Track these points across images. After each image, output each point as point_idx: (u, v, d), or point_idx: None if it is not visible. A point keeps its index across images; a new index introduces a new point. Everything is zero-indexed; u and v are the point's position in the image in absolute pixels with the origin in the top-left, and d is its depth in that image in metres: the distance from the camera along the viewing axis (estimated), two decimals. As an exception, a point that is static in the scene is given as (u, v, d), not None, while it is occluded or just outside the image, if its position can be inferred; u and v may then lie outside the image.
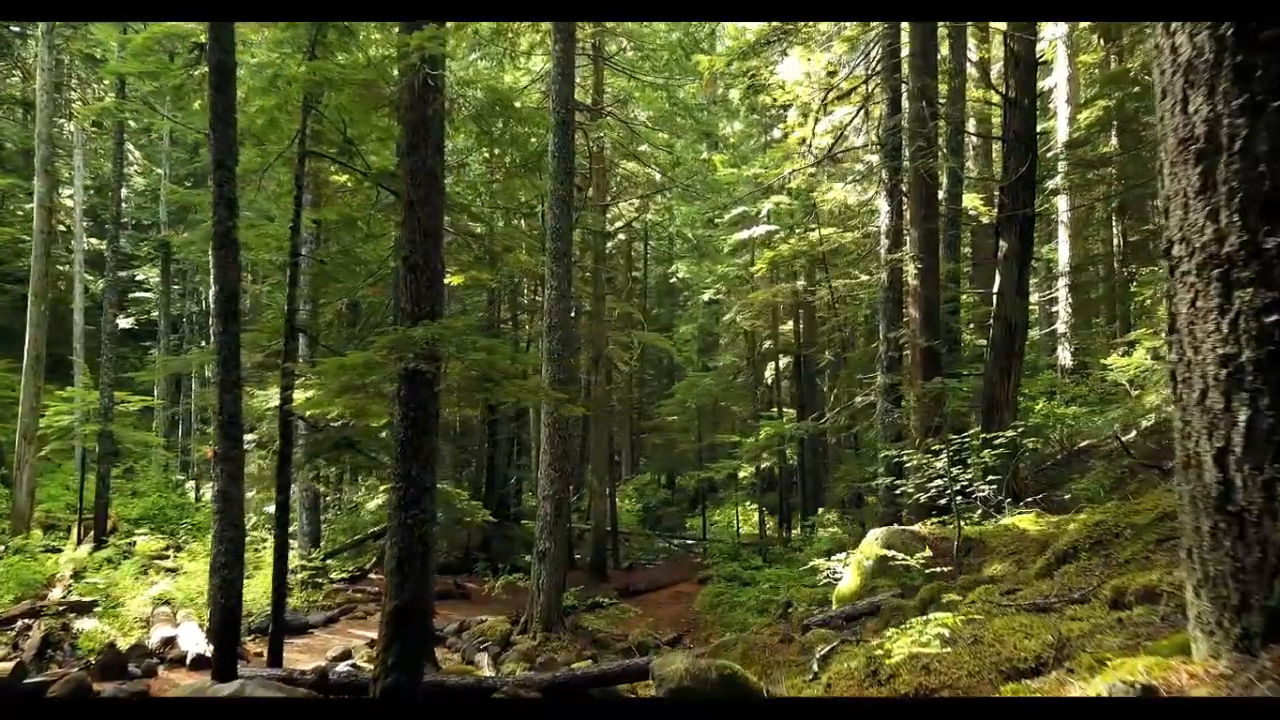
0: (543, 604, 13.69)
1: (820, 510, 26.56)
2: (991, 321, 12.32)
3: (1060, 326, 22.48)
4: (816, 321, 25.60)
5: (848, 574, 8.66)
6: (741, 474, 26.27)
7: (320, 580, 15.21)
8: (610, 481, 23.93)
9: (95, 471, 18.59)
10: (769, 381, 28.98)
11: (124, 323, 29.96)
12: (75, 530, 19.07)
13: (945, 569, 7.76)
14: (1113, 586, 4.19)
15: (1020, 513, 8.75)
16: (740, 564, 19.40)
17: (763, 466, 26.57)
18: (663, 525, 31.00)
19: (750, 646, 7.08)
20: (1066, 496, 10.06)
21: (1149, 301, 19.24)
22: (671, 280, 38.30)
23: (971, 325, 20.97)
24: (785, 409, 26.51)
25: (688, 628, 16.17)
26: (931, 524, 9.18)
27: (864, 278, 20.48)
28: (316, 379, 8.50)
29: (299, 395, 9.42)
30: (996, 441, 8.30)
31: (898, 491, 9.68)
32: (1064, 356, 22.54)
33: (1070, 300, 22.61)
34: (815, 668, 5.54)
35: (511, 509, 25.79)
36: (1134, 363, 8.39)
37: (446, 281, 10.48)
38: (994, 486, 8.84)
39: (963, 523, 7.67)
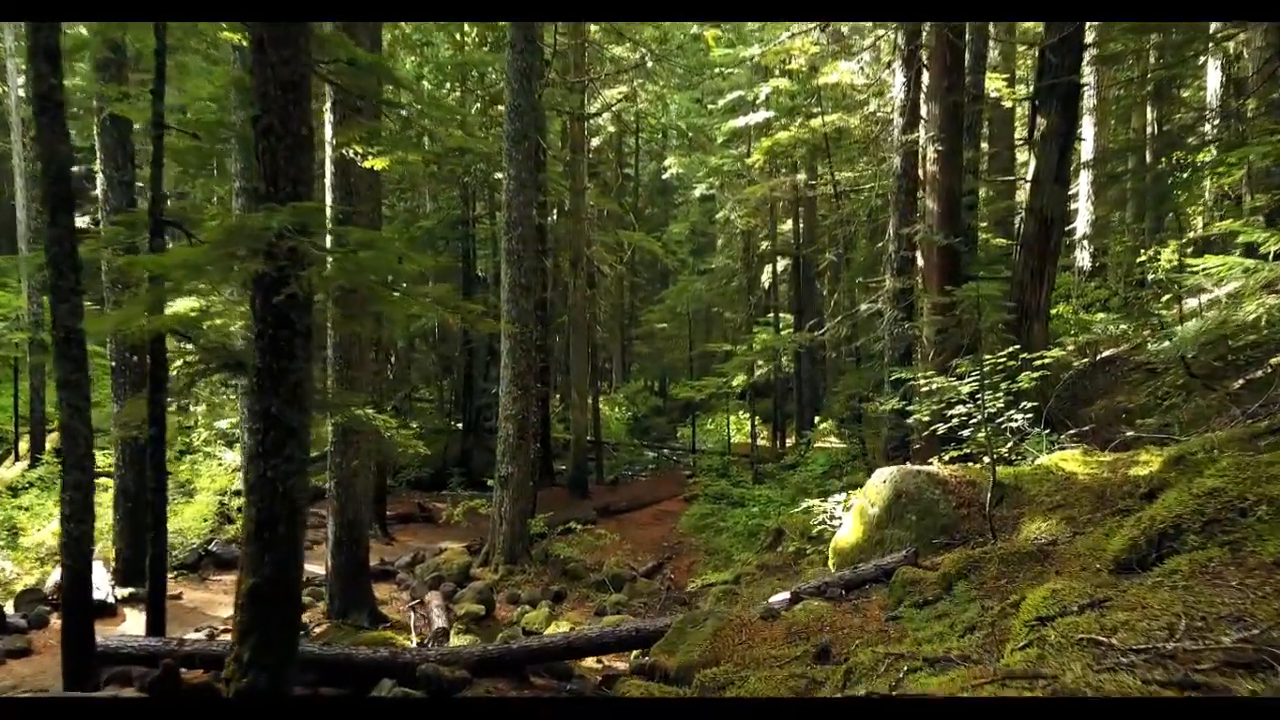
0: (505, 533, 12.30)
1: (817, 420, 25.18)
2: (1022, 214, 10.50)
3: (1081, 225, 20.51)
4: (817, 220, 23.62)
5: (848, 521, 7.11)
6: (735, 381, 24.78)
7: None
8: (593, 392, 22.42)
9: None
10: (766, 285, 27.16)
11: (80, 222, 27.92)
12: (19, 447, 17.63)
13: (972, 527, 6.20)
14: None
15: (1061, 448, 7.15)
16: (729, 481, 18.03)
17: (757, 374, 25.09)
18: (652, 435, 29.69)
19: (723, 627, 5.57)
20: (1128, 431, 8.44)
21: (1206, 196, 17.28)
22: (665, 177, 35.88)
23: (986, 222, 19.07)
24: (782, 314, 24.78)
25: (669, 554, 14.87)
26: (947, 460, 7.60)
27: (870, 170, 18.44)
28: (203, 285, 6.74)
29: (182, 305, 7.71)
30: (1038, 362, 6.60)
31: (909, 419, 8.05)
32: (1082, 258, 20.71)
33: (1093, 196, 20.60)
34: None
35: (489, 420, 24.35)
36: (1228, 264, 6.73)
37: (368, 167, 8.61)
38: (1028, 416, 7.20)
39: (993, 463, 6.06)
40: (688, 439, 27.34)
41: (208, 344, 6.51)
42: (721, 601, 11.28)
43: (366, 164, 8.61)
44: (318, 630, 9.15)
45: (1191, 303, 16.24)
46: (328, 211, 7.86)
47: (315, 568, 11.29)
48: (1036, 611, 3.29)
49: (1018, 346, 6.48)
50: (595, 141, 27.06)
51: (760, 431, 25.92)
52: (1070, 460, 6.68)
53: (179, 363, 7.31)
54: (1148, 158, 20.62)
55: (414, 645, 7.59)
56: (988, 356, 6.62)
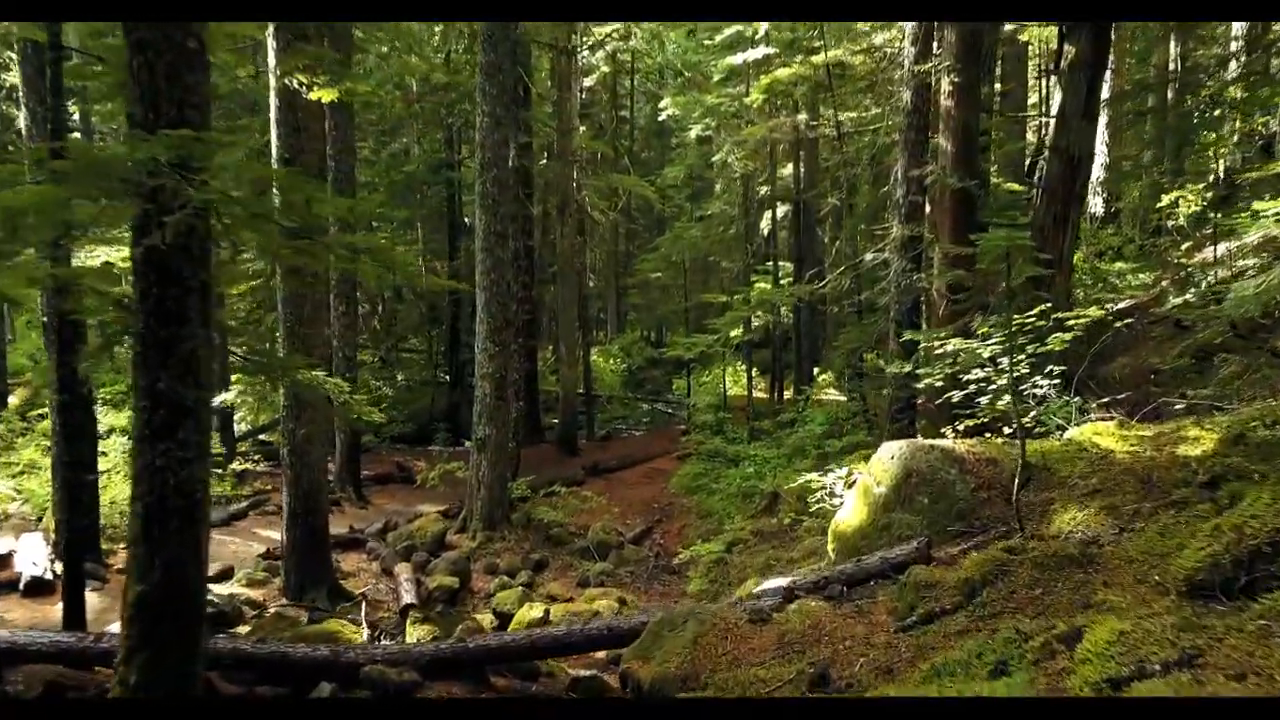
0: (483, 498, 11.55)
1: (816, 372, 24.36)
2: (1045, 154, 9.54)
3: (1095, 168, 19.42)
4: (819, 164, 22.50)
5: (851, 501, 6.31)
6: (733, 333, 23.92)
7: (224, 470, 12.95)
8: (584, 345, 21.55)
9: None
10: (765, 232, 26.09)
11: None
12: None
13: (993, 513, 5.39)
14: None
15: (1093, 418, 6.32)
16: (724, 439, 17.27)
17: (755, 325, 24.18)
18: (647, 388, 28.89)
19: (706, 633, 4.79)
20: (1161, 396, 7.61)
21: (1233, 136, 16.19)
22: (661, 119, 34.46)
23: (997, 166, 18.01)
24: (782, 262, 23.78)
25: (659, 516, 14.17)
26: (961, 431, 6.77)
27: (876, 110, 17.30)
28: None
29: (118, 256, 6.81)
30: (1071, 322, 5.72)
31: (920, 383, 7.20)
32: (1095, 203, 19.69)
33: (1108, 137, 19.46)
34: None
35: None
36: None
37: (314, 99, 7.63)
38: (1054, 382, 6.36)
39: (1022, 440, 5.22)
40: (683, 391, 26.57)
41: (123, 300, 5.63)
42: (712, 573, 10.60)
43: (313, 95, 7.62)
44: (272, 610, 8.44)
45: (1220, 249, 15.29)
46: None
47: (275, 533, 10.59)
48: (1102, 667, 2.47)
49: (1049, 304, 5.60)
50: (588, 81, 25.75)
51: (758, 383, 25.10)
52: (1105, 434, 5.85)
53: (93, 322, 6.45)
54: (1169, 96, 19.48)
55: (364, 638, 6.85)
56: (1015, 317, 5.76)
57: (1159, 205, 18.02)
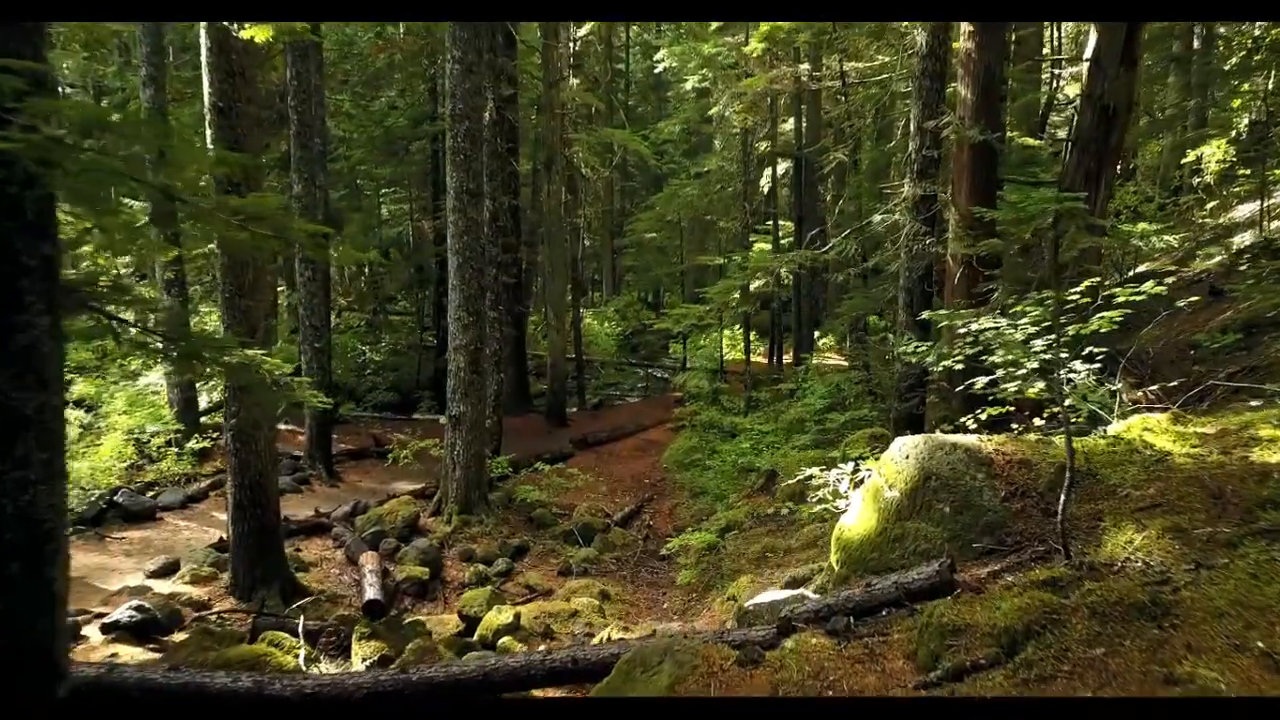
0: (459, 480, 10.75)
1: (817, 335, 23.49)
2: (1078, 104, 8.56)
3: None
4: (821, 118, 21.37)
5: (858, 505, 5.47)
6: (733, 297, 22.95)
7: (181, 448, 12.10)
8: (575, 309, 20.63)
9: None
10: (764, 190, 25.00)
11: None
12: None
13: (1028, 529, 4.55)
14: None
15: (1140, 408, 5.46)
16: (720, 410, 16.45)
17: (753, 289, 23.21)
18: (641, 352, 27.99)
19: (684, 675, 3.98)
20: (1224, 382, 6.74)
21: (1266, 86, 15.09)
22: (658, 71, 33.12)
23: (1012, 118, 16.90)
24: (783, 221, 22.74)
25: (650, 494, 13.40)
26: (985, 421, 5.92)
27: (883, 59, 16.17)
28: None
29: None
30: (1121, 299, 4.83)
31: (939, 364, 6.32)
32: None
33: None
34: None
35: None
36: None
37: (249, 40, 6.64)
38: (1093, 367, 5.48)
39: (1070, 443, 4.37)
40: (680, 354, 25.71)
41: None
42: (703, 562, 9.82)
43: (245, 34, 6.65)
44: (215, 611, 7.67)
45: (1243, 210, 14.29)
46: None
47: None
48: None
49: (1097, 279, 4.70)
50: (581, 31, 24.54)
51: (756, 347, 24.23)
52: (1157, 430, 4.99)
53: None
54: (1195, 44, 18.32)
55: (301, 659, 6.05)
56: (1047, 294, 4.87)
57: (1183, 161, 16.98)
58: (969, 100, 8.34)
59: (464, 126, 10.00)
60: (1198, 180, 16.44)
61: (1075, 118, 8.51)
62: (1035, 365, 4.87)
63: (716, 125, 24.91)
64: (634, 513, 12.22)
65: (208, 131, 7.27)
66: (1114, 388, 5.60)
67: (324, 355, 12.38)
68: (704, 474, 13.18)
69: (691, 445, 14.60)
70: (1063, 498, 4.12)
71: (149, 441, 11.77)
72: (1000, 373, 5.27)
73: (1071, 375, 5.48)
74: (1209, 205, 15.66)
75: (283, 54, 12.14)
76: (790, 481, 6.84)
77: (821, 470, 6.23)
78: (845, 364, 18.03)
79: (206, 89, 7.26)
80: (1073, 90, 15.97)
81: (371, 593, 8.62)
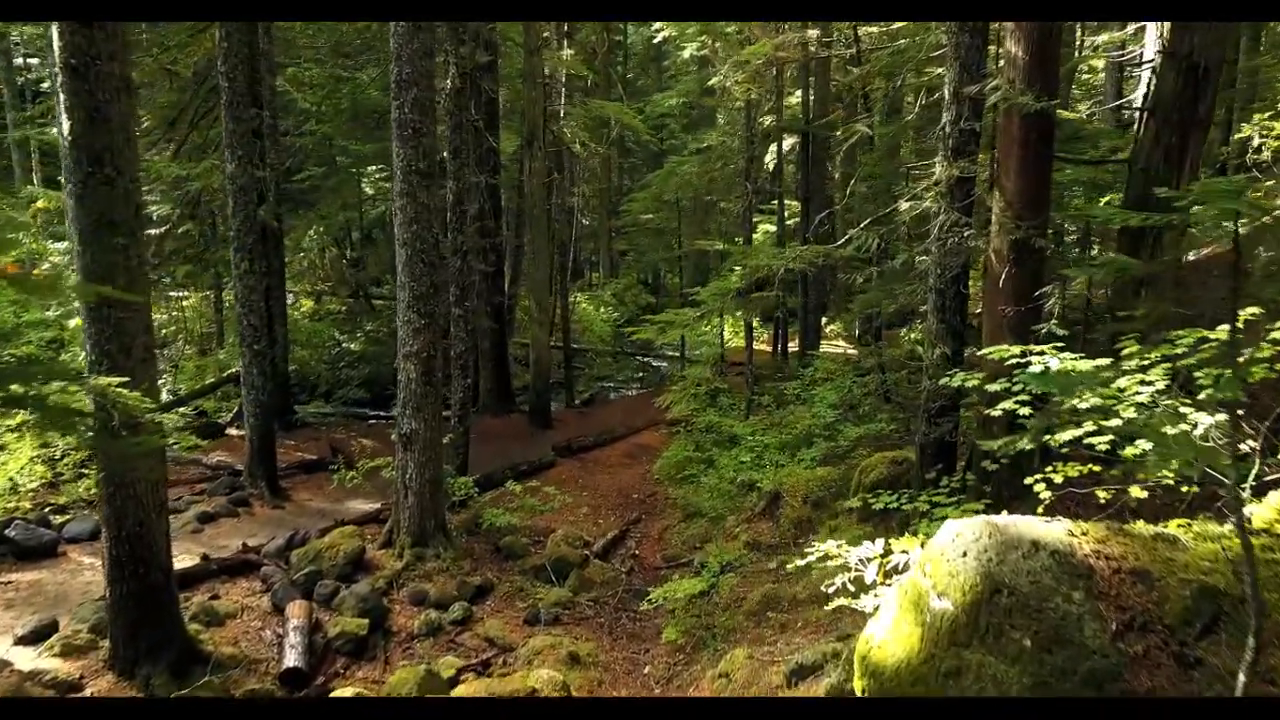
0: (412, 507, 9.28)
1: (825, 322, 21.95)
2: (1156, 66, 6.94)
3: (1140, 93, 16.58)
4: (830, 89, 19.65)
5: (891, 609, 3.97)
6: (733, 279, 21.37)
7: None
8: (561, 298, 19.08)
9: None
10: (769, 168, 23.30)
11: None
12: None
13: (1158, 685, 3.04)
14: None
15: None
16: (718, 412, 14.92)
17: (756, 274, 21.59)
18: (638, 341, 26.39)
19: None
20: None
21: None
22: (657, 40, 31.28)
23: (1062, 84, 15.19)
24: (789, 200, 21.09)
25: (638, 513, 11.92)
26: (1055, 491, 4.39)
27: (899, 24, 14.46)
28: None
29: None
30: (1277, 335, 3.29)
31: (995, 407, 4.76)
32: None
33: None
34: None
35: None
36: None
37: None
38: (1219, 420, 3.94)
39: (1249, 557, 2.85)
40: (678, 342, 24.14)
41: None
42: (693, 611, 8.31)
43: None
44: (86, 695, 6.22)
45: None
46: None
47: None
48: None
49: (1255, 310, 3.18)
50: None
51: (759, 334, 22.67)
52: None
53: None
54: None
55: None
56: (1181, 335, 3.37)
57: (1236, 136, 15.29)
58: (1019, 59, 6.72)
59: (411, 95, 8.41)
60: (1250, 157, 14.76)
61: (1153, 80, 6.90)
62: (1145, 416, 3.39)
63: (718, 99, 23.20)
64: (618, 538, 10.75)
65: (59, 97, 5.73)
66: (1245, 448, 4.04)
67: (264, 359, 10.85)
68: (699, 491, 11.67)
69: (686, 456, 13.10)
70: (1247, 657, 2.60)
71: (62, 459, 10.30)
72: (1089, 424, 3.81)
73: (1195, 431, 3.94)
74: (1264, 185, 14.00)
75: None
76: (796, 563, 5.27)
77: (837, 547, 4.73)
78: (855, 353, 16.55)
79: (56, 42, 5.70)
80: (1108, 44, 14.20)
81: (292, 658, 7.19)
